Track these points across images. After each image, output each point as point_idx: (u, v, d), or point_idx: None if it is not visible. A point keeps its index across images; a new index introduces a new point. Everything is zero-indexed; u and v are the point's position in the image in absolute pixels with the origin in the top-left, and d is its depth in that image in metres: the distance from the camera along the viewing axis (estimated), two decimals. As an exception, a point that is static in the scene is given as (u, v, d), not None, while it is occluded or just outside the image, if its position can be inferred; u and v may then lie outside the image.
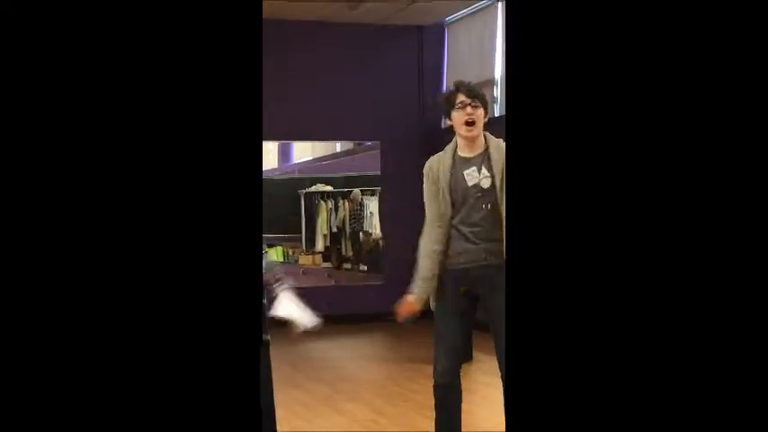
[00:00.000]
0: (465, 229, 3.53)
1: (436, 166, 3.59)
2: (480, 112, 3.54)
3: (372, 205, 10.85)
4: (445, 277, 3.60)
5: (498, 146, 3.55)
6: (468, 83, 3.64)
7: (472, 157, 3.55)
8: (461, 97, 3.53)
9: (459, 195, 3.53)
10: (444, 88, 10.05)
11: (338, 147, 11.60)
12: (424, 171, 3.62)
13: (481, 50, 9.41)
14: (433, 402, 3.68)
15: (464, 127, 3.52)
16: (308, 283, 10.06)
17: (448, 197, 3.52)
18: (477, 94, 3.54)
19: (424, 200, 3.61)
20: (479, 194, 3.51)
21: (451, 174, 3.54)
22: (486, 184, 3.51)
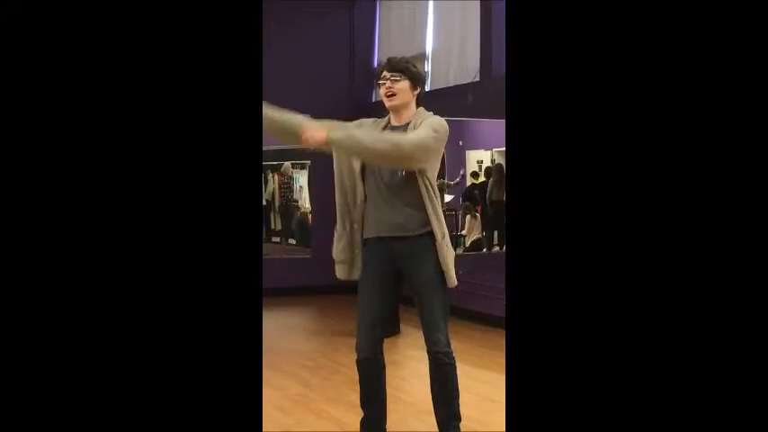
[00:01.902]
0: (381, 191, 3.57)
1: (373, 122, 3.67)
2: (402, 84, 3.58)
3: (302, 179, 10.80)
4: (365, 248, 3.63)
5: (426, 117, 3.59)
6: (400, 58, 3.66)
7: (399, 126, 3.61)
8: (384, 72, 3.62)
9: None
10: (376, 62, 10.03)
11: (268, 119, 11.47)
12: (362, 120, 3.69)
13: (413, 25, 9.40)
14: (360, 376, 3.71)
15: (385, 98, 3.62)
16: (236, 256, 9.95)
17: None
18: (399, 68, 3.59)
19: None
20: None
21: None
22: None
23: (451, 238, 3.76)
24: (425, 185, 3.51)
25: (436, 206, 3.55)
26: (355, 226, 3.67)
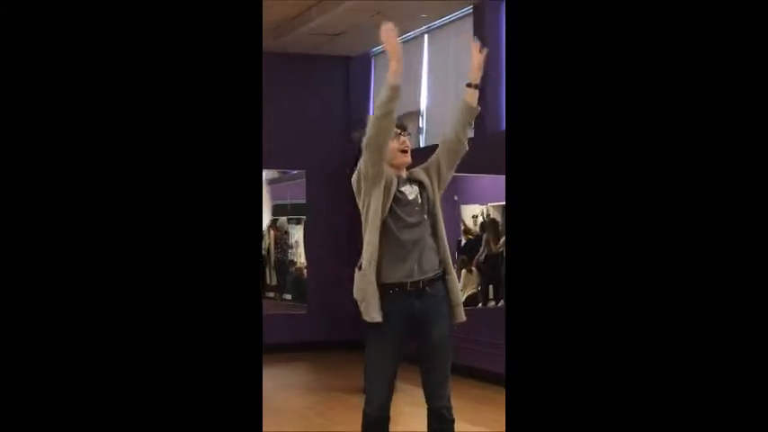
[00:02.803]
0: (402, 231, 3.55)
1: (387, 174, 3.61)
2: (409, 141, 3.71)
3: (298, 234, 10.81)
4: (386, 301, 3.53)
5: (418, 170, 3.72)
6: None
7: (411, 178, 3.70)
8: (396, 129, 3.63)
9: (399, 204, 3.60)
10: (370, 119, 10.10)
11: (264, 175, 11.55)
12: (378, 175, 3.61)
13: (407, 82, 9.50)
14: (355, 433, 3.67)
15: (400, 154, 3.66)
16: (230, 311, 9.90)
17: (389, 198, 3.55)
18: (404, 126, 3.73)
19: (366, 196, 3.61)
20: (417, 208, 3.62)
21: (396, 184, 3.61)
22: (418, 199, 3.63)
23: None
24: (442, 220, 3.63)
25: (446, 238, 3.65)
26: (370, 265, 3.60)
